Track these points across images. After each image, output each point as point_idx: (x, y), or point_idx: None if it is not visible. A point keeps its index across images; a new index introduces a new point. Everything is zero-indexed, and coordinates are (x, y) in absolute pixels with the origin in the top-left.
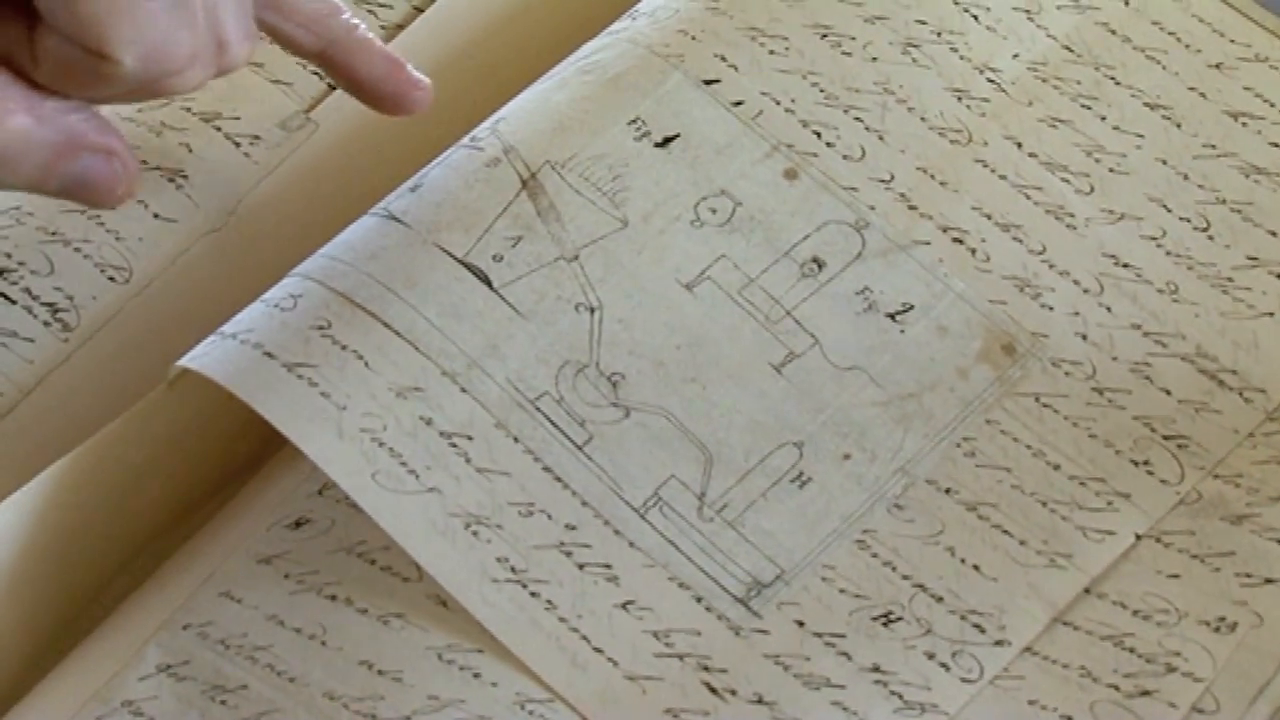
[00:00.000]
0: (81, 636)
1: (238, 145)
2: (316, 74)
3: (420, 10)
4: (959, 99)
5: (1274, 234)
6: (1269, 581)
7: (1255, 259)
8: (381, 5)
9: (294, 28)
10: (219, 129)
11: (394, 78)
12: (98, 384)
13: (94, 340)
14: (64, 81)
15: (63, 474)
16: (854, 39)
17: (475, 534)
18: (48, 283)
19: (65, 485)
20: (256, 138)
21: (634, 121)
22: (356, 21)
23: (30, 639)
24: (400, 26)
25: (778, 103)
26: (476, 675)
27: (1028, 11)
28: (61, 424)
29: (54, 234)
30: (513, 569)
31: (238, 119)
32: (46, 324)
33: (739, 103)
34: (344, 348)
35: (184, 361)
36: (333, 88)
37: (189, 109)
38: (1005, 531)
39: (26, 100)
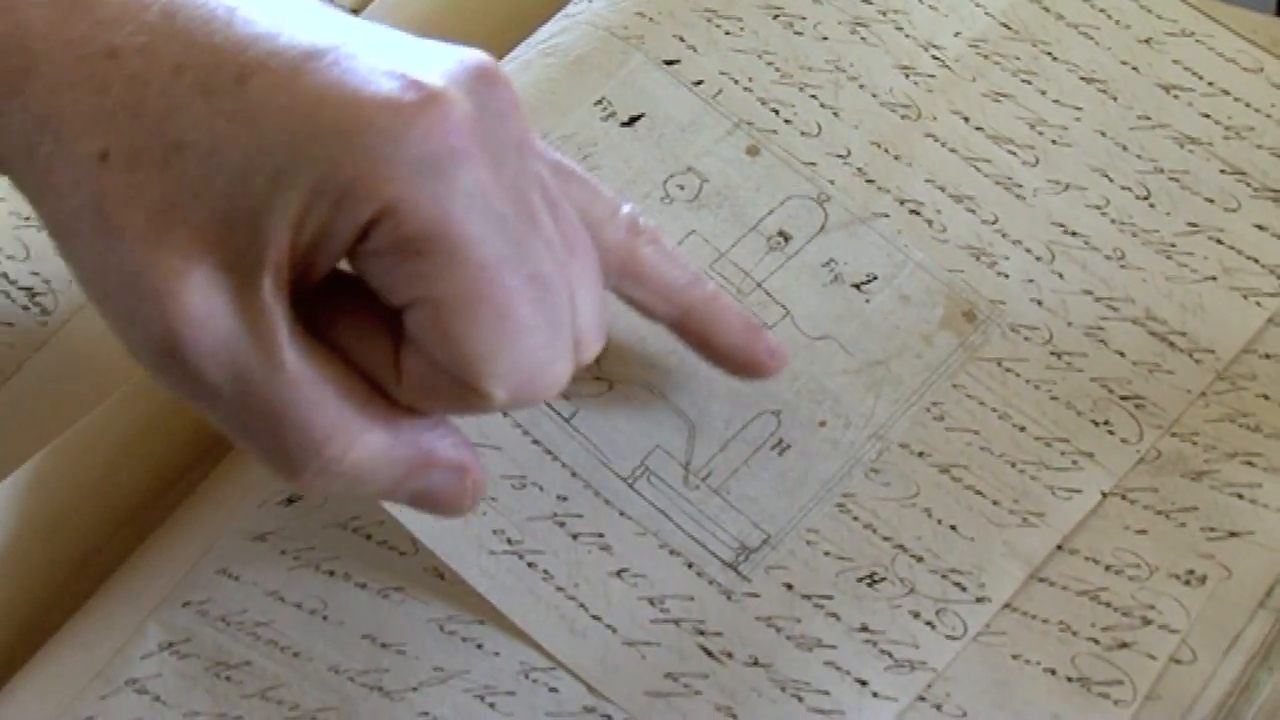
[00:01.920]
0: (67, 613)
1: None
2: None
3: None
4: (907, 75)
5: (1211, 201)
6: (1233, 535)
7: (1195, 225)
8: None
9: (652, 297)
10: None
11: (751, 347)
12: (78, 366)
13: (72, 323)
14: (426, 402)
15: (47, 459)
16: (804, 19)
17: None
18: (24, 268)
19: (50, 469)
20: None
21: (600, 102)
22: (715, 288)
23: (16, 617)
24: (355, 12)
25: (736, 81)
26: (479, 646)
27: None
28: (44, 407)
29: (28, 219)
30: (509, 540)
31: None
32: (25, 308)
33: (699, 82)
34: None
35: None
36: None
37: None
38: (978, 492)
39: (385, 417)
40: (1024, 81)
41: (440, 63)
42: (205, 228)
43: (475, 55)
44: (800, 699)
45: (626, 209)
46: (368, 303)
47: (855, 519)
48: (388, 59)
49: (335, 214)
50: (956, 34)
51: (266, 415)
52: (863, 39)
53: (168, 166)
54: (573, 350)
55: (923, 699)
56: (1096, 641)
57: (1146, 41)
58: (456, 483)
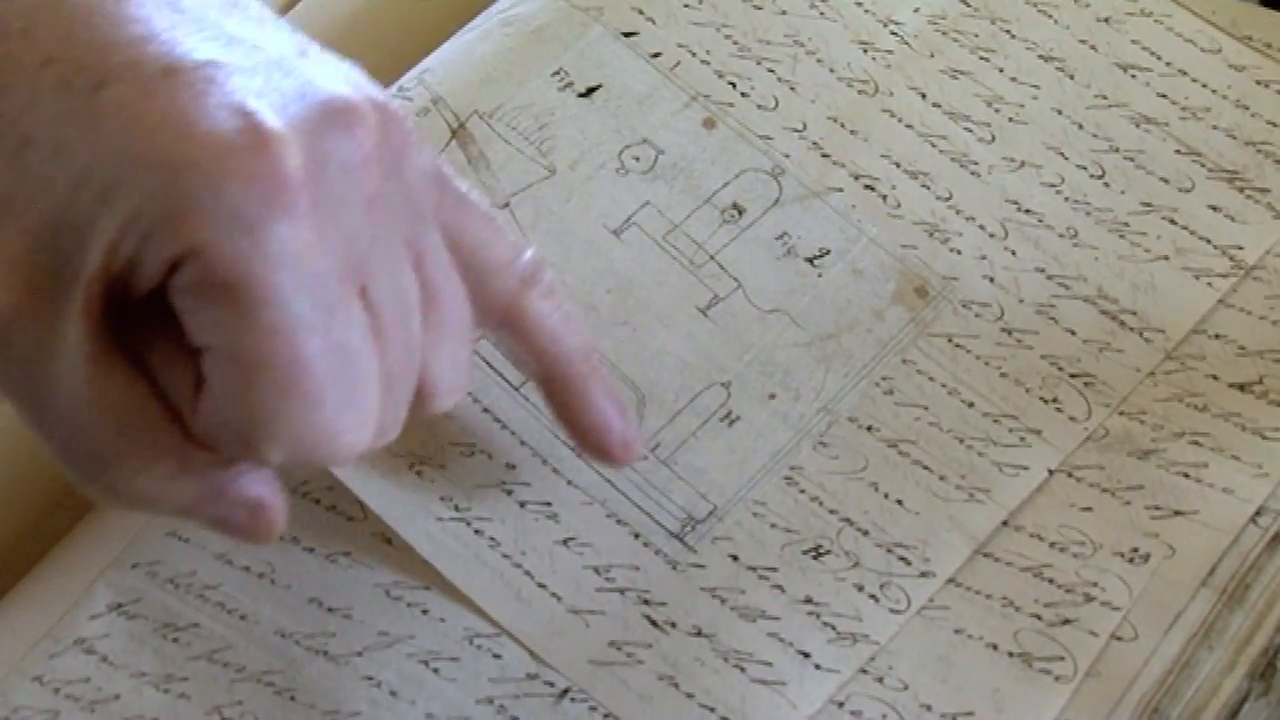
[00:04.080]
0: (19, 574)
1: None
2: None
3: None
4: (865, 51)
5: (1165, 181)
6: (1178, 514)
7: (1149, 205)
8: None
9: (524, 354)
10: None
11: (604, 437)
12: None
13: None
14: (213, 441)
15: None
16: None
17: (419, 474)
18: None
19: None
20: None
21: (557, 73)
22: (593, 365)
23: None
24: None
25: (694, 54)
26: (425, 611)
27: None
28: None
29: None
30: (456, 507)
31: None
32: None
33: (657, 54)
34: None
35: None
36: None
37: None
38: (925, 467)
39: (176, 448)
40: (982, 59)
41: (299, 101)
42: (33, 229)
43: (344, 95)
44: (743, 669)
45: (528, 256)
46: (181, 333)
47: (802, 492)
48: (247, 88)
49: (144, 244)
50: (916, 10)
51: (56, 427)
52: (821, 14)
53: (15, 160)
54: (378, 418)
55: (865, 671)
56: (1039, 617)
57: (1105, 20)
58: (248, 519)
